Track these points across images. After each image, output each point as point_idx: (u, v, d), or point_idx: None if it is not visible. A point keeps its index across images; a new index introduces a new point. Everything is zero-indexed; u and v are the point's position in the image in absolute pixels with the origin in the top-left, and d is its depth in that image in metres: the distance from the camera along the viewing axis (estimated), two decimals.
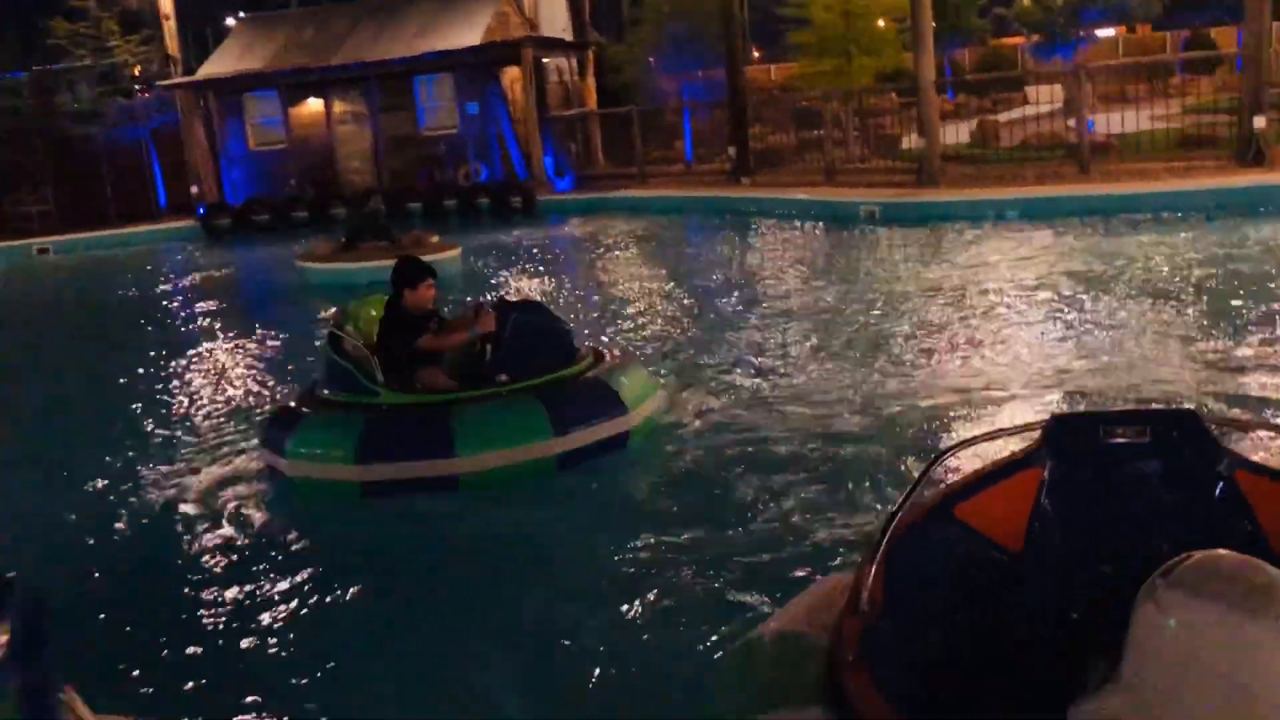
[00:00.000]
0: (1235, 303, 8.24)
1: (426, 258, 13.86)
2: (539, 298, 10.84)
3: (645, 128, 22.12)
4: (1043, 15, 20.56)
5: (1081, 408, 5.89)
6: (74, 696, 2.02)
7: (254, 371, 9.20)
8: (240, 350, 10.21)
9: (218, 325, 11.87)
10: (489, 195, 21.35)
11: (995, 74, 25.69)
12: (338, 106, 23.47)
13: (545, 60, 23.48)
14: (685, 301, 10.65)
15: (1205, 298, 8.54)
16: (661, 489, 5.30)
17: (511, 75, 22.94)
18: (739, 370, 7.44)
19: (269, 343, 10.43)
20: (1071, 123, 19.11)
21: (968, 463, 3.43)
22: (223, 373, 9.21)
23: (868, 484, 5.03)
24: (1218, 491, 2.58)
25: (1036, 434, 2.78)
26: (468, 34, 22.20)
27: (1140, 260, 10.37)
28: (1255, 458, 2.64)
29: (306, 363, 9.32)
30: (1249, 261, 9.96)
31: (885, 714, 2.05)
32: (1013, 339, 7.78)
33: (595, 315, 10.35)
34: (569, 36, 26.08)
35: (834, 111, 19.53)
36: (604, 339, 8.35)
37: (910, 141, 19.83)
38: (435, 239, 14.56)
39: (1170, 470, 2.63)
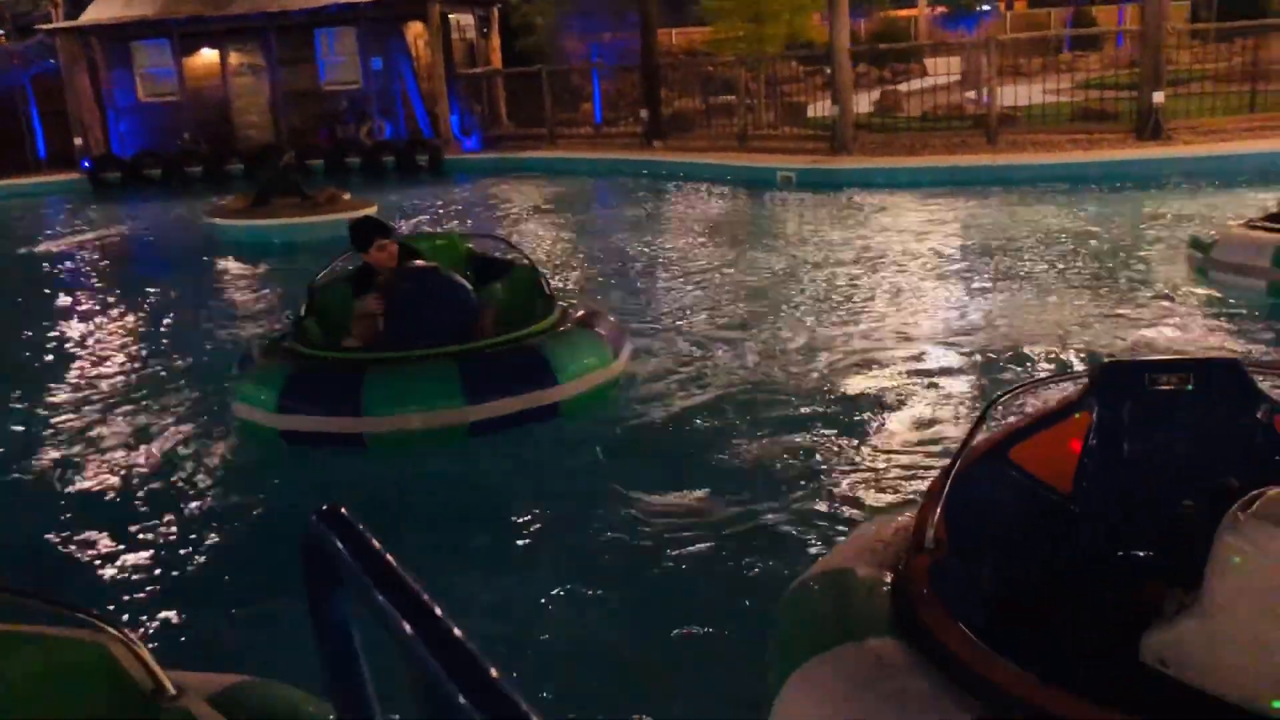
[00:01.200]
0: (1139, 267, 8.69)
1: (340, 215, 13.69)
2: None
3: (552, 89, 21.88)
4: None
5: (1002, 360, 6.19)
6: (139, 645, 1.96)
7: (173, 331, 8.87)
8: (156, 308, 9.81)
9: (129, 283, 11.39)
10: (394, 153, 20.88)
11: (912, 44, 26.20)
12: (234, 58, 22.58)
13: (451, 16, 22.99)
14: (610, 263, 10.63)
15: (1108, 262, 8.97)
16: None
17: (416, 31, 22.42)
18: (666, 335, 7.44)
19: (182, 300, 10.05)
20: (970, 94, 19.68)
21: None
22: (144, 332, 8.86)
23: (796, 433, 5.26)
24: (1258, 434, 2.73)
25: (1083, 381, 2.90)
26: None
27: (1047, 227, 10.78)
28: None
29: (224, 321, 9.09)
30: (1150, 229, 10.47)
31: (963, 642, 2.11)
32: (933, 299, 8.09)
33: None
34: None
35: (744, 78, 19.64)
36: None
37: (816, 110, 20.10)
38: (347, 196, 14.21)
39: (1212, 413, 2.76)
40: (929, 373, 6.23)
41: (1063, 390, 2.98)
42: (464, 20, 24.59)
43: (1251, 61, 17.72)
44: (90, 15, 22.40)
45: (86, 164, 21.42)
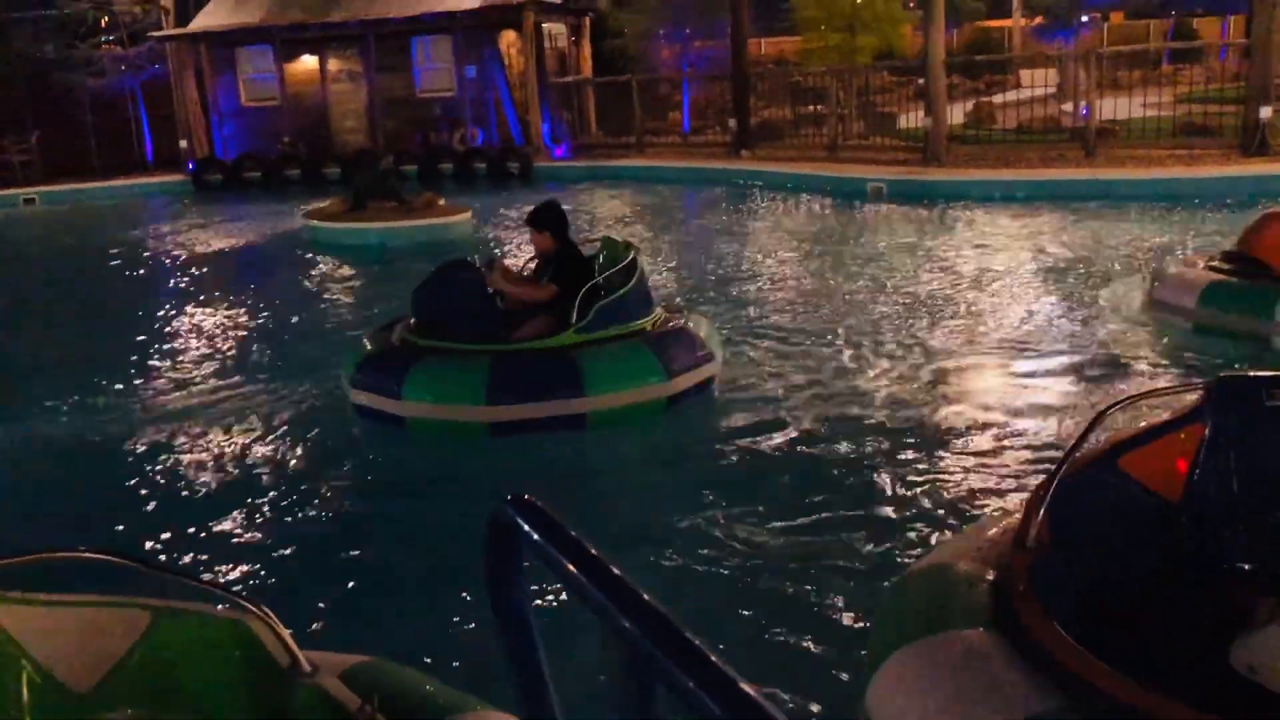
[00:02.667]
0: None
1: (437, 220, 13.94)
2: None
3: (641, 98, 22.05)
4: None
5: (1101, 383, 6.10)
6: (275, 621, 2.07)
7: (273, 326, 9.17)
8: (255, 306, 10.13)
9: (231, 281, 11.77)
10: (486, 160, 21.20)
11: (1007, 55, 25.84)
12: (333, 64, 23.15)
13: (544, 25, 23.28)
14: (696, 272, 10.69)
15: None
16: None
17: (509, 39, 22.75)
18: (760, 341, 7.53)
19: (282, 299, 10.36)
20: (1066, 107, 19.33)
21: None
22: (248, 328, 9.16)
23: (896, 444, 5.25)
24: None
25: (1198, 393, 2.90)
26: None
27: (1146, 244, 10.56)
28: None
29: (320, 316, 9.41)
30: None
31: (1055, 637, 2.19)
32: (1030, 312, 8.02)
33: None
34: (559, 0, 25.87)
35: (835, 88, 19.58)
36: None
37: (908, 120, 19.95)
38: (442, 202, 14.50)
39: None
40: (1025, 385, 6.19)
41: (1178, 402, 2.98)
42: (556, 29, 24.87)
43: None
44: (199, 23, 23.17)
45: (191, 166, 22.15)
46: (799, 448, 5.42)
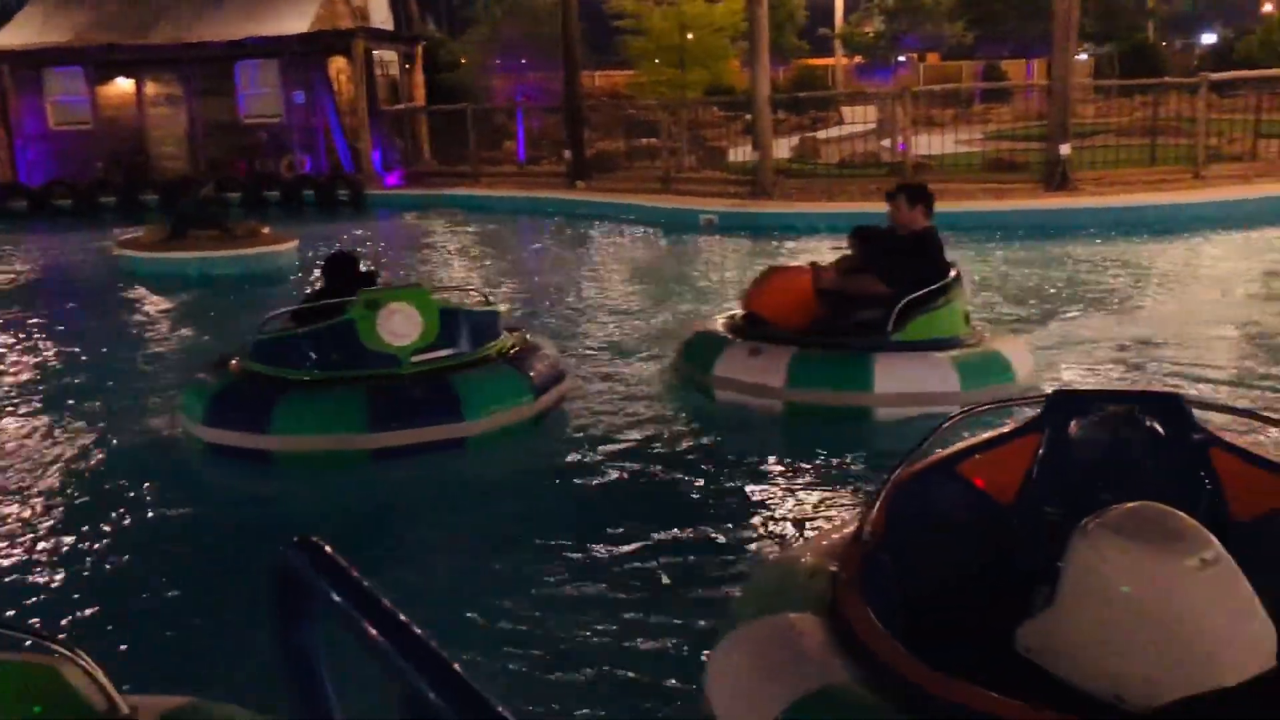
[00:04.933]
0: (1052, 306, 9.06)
1: (261, 249, 13.49)
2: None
3: (476, 127, 21.94)
4: (870, 39, 21.60)
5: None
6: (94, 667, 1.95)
7: (87, 362, 8.65)
8: (66, 341, 9.56)
9: (37, 316, 11.05)
10: (315, 187, 20.70)
11: (831, 92, 26.87)
12: (151, 88, 22.18)
13: (375, 53, 22.94)
14: (535, 301, 10.68)
15: (1031, 301, 9.36)
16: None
17: (339, 65, 22.30)
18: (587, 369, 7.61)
19: (95, 333, 9.82)
20: (885, 142, 20.22)
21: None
22: (52, 366, 8.62)
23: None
24: (1189, 462, 2.90)
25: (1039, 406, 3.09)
26: (295, 20, 21.46)
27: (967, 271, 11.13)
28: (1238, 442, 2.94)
29: (137, 350, 8.96)
30: (1061, 271, 10.92)
31: (864, 620, 2.38)
32: None
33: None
34: (389, 28, 25.58)
35: (667, 122, 19.94)
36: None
37: (737, 154, 20.47)
38: (267, 230, 14.03)
39: (1149, 442, 2.95)
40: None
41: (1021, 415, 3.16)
42: (387, 56, 24.55)
43: (1151, 116, 18.57)
44: (1, 40, 21.87)
45: None
46: (645, 453, 5.65)
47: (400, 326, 5.69)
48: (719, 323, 6.83)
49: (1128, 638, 2.21)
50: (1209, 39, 41.09)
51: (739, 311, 6.89)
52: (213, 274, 12.49)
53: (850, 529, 2.87)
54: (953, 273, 6.15)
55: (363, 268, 6.38)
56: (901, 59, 19.35)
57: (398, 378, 5.66)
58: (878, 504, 2.74)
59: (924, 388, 5.89)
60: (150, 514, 5.19)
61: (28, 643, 2.00)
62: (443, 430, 5.55)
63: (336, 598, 0.99)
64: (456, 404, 5.58)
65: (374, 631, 0.92)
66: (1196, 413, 2.92)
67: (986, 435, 3.05)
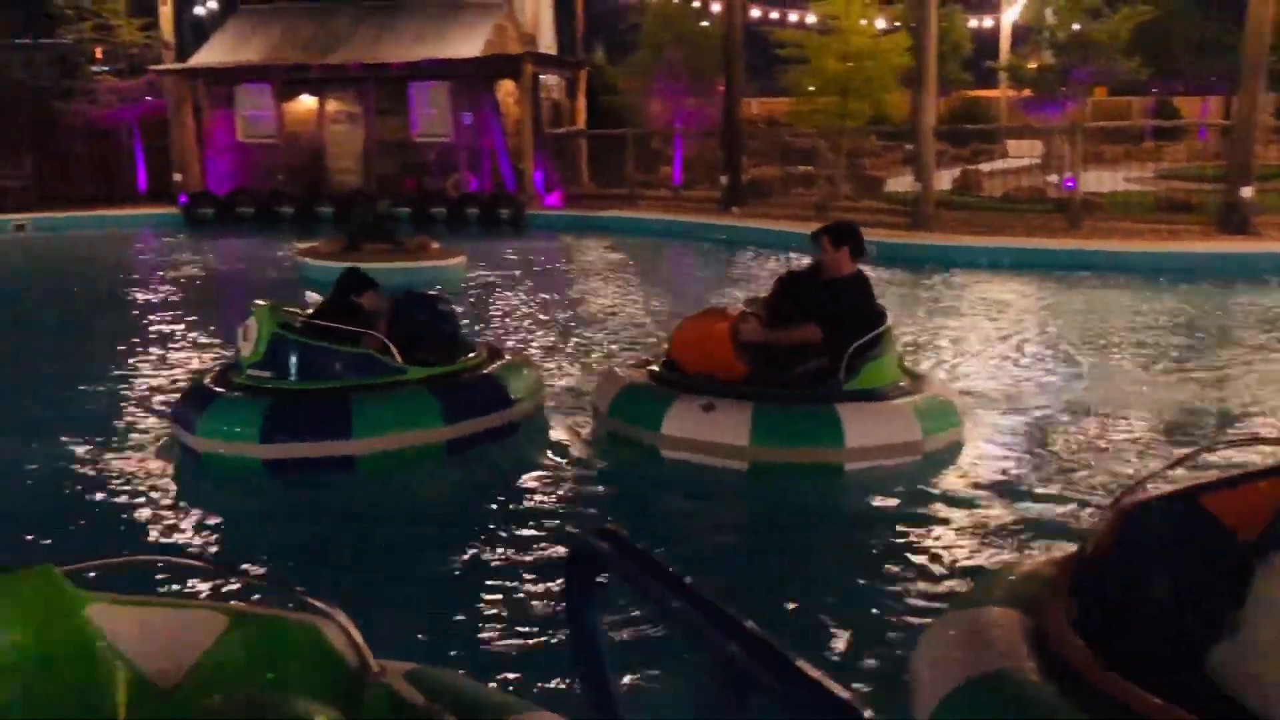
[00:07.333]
0: (1232, 366, 8.67)
1: (430, 263, 14.03)
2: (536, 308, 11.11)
3: (635, 151, 22.34)
4: (1036, 72, 21.18)
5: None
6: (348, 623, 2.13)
7: None
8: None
9: (229, 310, 11.77)
10: (478, 205, 21.38)
11: (997, 126, 26.45)
12: (331, 105, 23.38)
13: (541, 76, 23.63)
14: (668, 322, 10.78)
15: (1198, 355, 8.99)
16: None
17: (506, 88, 23.05)
18: None
19: None
20: (1051, 178, 19.75)
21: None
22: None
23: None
24: None
25: None
26: (467, 44, 22.28)
27: (1131, 313, 10.80)
28: None
29: None
30: (1235, 322, 10.46)
31: (1057, 621, 2.53)
32: (1029, 376, 8.11)
33: (599, 325, 10.55)
34: (554, 53, 26.33)
35: (825, 150, 19.92)
36: (637, 350, 8.49)
37: (894, 184, 20.30)
38: (436, 245, 14.60)
39: None
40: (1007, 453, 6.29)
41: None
42: (551, 80, 25.27)
43: None
44: (199, 59, 23.40)
45: (183, 199, 22.23)
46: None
47: (247, 335, 6.20)
48: (635, 373, 6.39)
49: None
50: None
51: (649, 360, 6.58)
52: (385, 284, 13.01)
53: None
54: (889, 318, 5.93)
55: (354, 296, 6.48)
56: (1066, 92, 18.94)
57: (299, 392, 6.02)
58: (1107, 523, 2.82)
59: (890, 439, 5.65)
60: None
61: (293, 603, 2.19)
62: (329, 447, 5.82)
63: (639, 578, 1.12)
64: (348, 422, 5.80)
65: (680, 604, 1.04)
66: None
67: (1236, 472, 3.05)
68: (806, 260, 6.83)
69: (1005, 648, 2.52)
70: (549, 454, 6.29)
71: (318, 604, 2.11)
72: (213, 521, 5.33)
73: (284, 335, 6.11)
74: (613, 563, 1.18)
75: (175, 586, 4.11)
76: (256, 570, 4.35)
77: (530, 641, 4.01)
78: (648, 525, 5.31)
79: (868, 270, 6.13)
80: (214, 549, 4.96)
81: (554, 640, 3.99)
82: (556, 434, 6.67)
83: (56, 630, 2.02)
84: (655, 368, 6.33)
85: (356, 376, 6.05)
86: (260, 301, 6.42)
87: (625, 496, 5.80)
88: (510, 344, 9.55)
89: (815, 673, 0.93)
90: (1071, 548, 3.11)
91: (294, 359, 6.08)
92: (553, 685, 3.63)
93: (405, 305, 6.60)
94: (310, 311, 6.59)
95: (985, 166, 23.04)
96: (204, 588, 4.19)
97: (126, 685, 2.04)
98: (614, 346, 9.58)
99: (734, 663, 0.98)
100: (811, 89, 20.50)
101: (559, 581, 4.50)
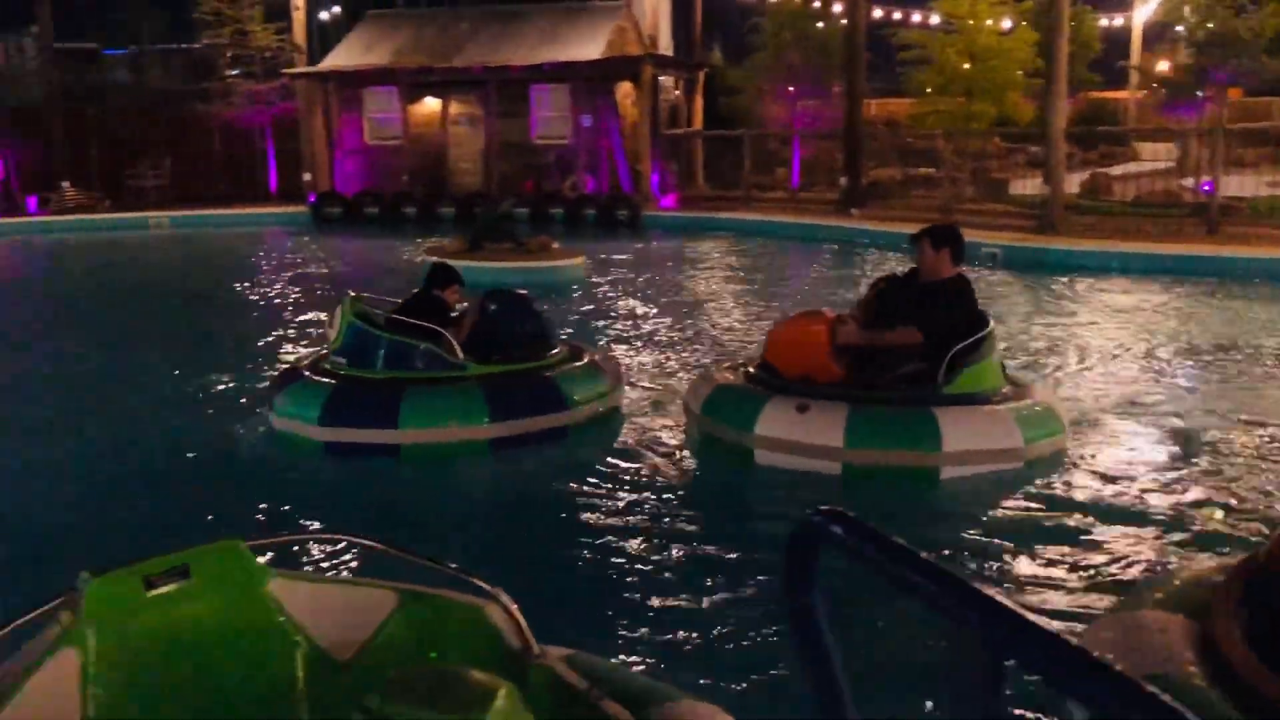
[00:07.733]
0: None
1: (551, 263, 14.22)
2: (640, 307, 11.16)
3: (751, 153, 22.26)
4: (1173, 72, 20.40)
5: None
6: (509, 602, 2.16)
7: None
8: None
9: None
10: (595, 207, 21.58)
11: (1130, 128, 25.64)
12: (454, 108, 23.88)
13: (658, 78, 23.73)
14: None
15: None
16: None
17: (625, 90, 23.21)
18: None
19: None
20: (1186, 181, 18.97)
21: None
22: None
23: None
24: None
25: None
26: (587, 47, 22.51)
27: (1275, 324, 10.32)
28: None
29: None
30: None
31: (1227, 630, 2.45)
32: (1164, 392, 7.80)
33: (709, 326, 10.53)
34: (672, 54, 26.41)
35: (948, 152, 19.53)
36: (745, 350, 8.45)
37: (1018, 187, 19.78)
38: (556, 245, 14.80)
39: None
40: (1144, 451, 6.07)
41: None
42: (669, 81, 25.35)
43: None
44: (329, 63, 24.14)
45: (312, 199, 22.97)
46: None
47: (332, 323, 6.64)
48: (729, 375, 6.31)
49: None
50: None
51: (744, 364, 6.49)
52: (504, 284, 13.22)
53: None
54: (991, 322, 5.74)
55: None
56: (1201, 94, 18.15)
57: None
58: None
59: (990, 444, 5.48)
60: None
61: (459, 585, 2.24)
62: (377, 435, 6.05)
63: (873, 554, 1.11)
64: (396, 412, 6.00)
65: (917, 578, 1.03)
66: None
67: None
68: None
69: (1168, 652, 2.48)
70: (629, 449, 6.31)
71: (484, 584, 2.15)
72: (277, 496, 5.64)
73: (357, 325, 6.44)
74: (847, 542, 1.17)
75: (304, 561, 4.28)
76: (421, 554, 4.46)
77: (667, 636, 4.02)
78: (731, 525, 5.25)
79: (993, 275, 6.02)
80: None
81: (678, 636, 4.00)
82: (640, 433, 6.68)
83: (241, 603, 2.11)
84: (750, 369, 6.27)
85: (419, 369, 6.29)
86: (351, 292, 6.76)
87: (710, 494, 5.77)
88: (619, 345, 9.62)
89: (1091, 653, 0.90)
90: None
91: (365, 348, 6.39)
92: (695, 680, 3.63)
93: (492, 303, 6.72)
94: (399, 303, 6.83)
95: (1115, 170, 22.28)
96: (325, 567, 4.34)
97: (304, 658, 2.12)
98: (721, 348, 9.55)
99: (988, 636, 0.96)
100: (929, 90, 20.15)
101: (650, 572, 4.54)
